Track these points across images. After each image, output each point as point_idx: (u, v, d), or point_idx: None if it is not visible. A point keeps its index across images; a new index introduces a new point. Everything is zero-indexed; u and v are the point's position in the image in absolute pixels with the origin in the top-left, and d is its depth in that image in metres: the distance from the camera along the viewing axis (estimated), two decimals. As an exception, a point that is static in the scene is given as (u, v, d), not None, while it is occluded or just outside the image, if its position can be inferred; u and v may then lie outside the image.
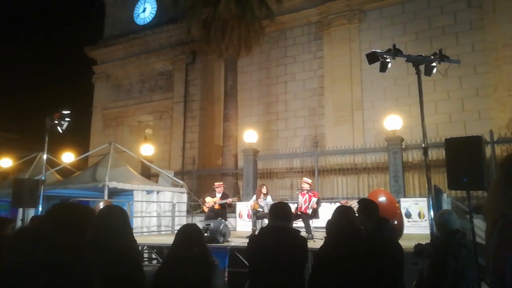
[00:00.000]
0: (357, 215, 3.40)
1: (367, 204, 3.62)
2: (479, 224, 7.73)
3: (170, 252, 2.82)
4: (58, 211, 1.87)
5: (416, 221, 9.42)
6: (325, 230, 3.65)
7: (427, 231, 8.53)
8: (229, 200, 9.30)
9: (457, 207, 9.33)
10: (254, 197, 9.18)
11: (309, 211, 8.09)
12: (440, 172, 10.09)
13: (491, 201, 0.66)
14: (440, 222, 4.40)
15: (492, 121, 11.60)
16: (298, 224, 8.39)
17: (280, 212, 3.22)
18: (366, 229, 3.36)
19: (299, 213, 8.14)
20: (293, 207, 8.27)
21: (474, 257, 4.45)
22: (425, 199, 9.36)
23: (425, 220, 9.06)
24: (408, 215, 9.40)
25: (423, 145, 4.65)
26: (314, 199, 8.14)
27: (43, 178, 8.77)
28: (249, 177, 12.87)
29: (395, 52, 4.61)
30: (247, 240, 3.41)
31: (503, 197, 0.65)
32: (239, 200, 11.02)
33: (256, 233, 6.77)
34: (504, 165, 0.68)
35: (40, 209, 8.40)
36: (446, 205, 8.66)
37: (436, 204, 6.81)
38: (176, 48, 18.03)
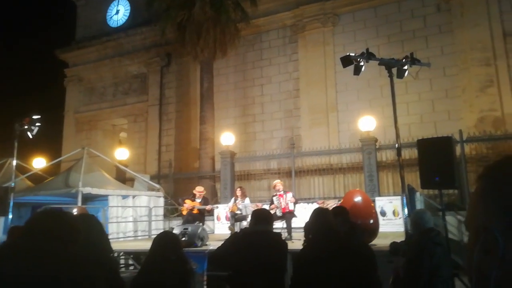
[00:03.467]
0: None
1: (342, 209, 3.72)
2: (451, 221, 7.99)
3: (147, 260, 2.79)
4: (47, 221, 1.71)
5: (391, 219, 9.64)
6: (302, 231, 3.70)
7: (402, 229, 8.76)
8: (208, 207, 9.27)
9: (429, 205, 9.61)
10: (233, 199, 9.18)
11: (291, 207, 8.15)
12: (413, 171, 10.37)
13: (473, 213, 0.67)
14: (415, 221, 4.52)
15: (461, 121, 12.02)
16: (279, 225, 8.45)
17: (262, 217, 3.23)
18: (343, 231, 3.43)
19: (279, 214, 8.18)
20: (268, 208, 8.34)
21: (448, 254, 4.59)
22: (399, 197, 9.58)
23: (400, 218, 9.28)
24: (383, 213, 9.61)
25: (397, 145, 4.77)
26: (290, 194, 8.26)
27: (13, 184, 8.49)
28: (226, 179, 12.85)
29: (368, 55, 4.72)
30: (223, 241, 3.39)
31: (486, 209, 0.67)
32: (217, 207, 10.97)
33: (236, 231, 6.77)
34: (485, 176, 0.69)
35: (10, 216, 8.12)
36: (419, 203, 8.92)
37: (409, 202, 6.99)
38: (151, 51, 17.81)
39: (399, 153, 4.66)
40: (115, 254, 8.37)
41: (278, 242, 3.16)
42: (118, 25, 19.11)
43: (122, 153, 15.36)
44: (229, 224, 9.00)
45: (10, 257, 1.40)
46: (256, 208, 3.58)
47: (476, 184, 0.73)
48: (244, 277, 2.93)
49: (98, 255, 2.35)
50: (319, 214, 3.29)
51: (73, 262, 1.45)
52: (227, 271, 3.08)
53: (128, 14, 18.93)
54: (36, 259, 1.41)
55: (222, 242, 3.36)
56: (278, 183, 8.51)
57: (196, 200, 9.40)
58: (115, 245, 8.90)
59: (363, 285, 2.89)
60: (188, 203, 9.27)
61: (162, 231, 10.36)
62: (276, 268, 3.00)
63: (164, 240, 2.78)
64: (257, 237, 3.08)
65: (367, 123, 11.47)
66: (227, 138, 13.42)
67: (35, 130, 8.04)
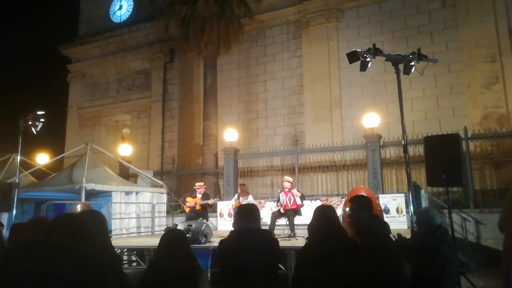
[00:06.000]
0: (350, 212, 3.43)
1: (369, 202, 3.64)
2: (455, 218, 7.94)
3: (155, 258, 2.77)
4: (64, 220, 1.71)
5: (394, 216, 9.59)
6: (306, 228, 3.65)
7: (405, 226, 8.75)
8: (210, 201, 9.25)
9: (434, 202, 9.58)
10: (236, 196, 9.16)
11: (298, 201, 8.09)
12: (417, 168, 10.35)
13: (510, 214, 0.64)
14: (422, 219, 4.49)
15: (466, 118, 11.94)
16: (282, 222, 8.43)
17: (249, 214, 3.18)
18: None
19: (282, 211, 8.14)
20: (273, 205, 8.31)
21: (454, 252, 4.55)
22: (403, 194, 9.55)
23: (403, 216, 9.24)
24: (387, 211, 9.56)
25: (403, 142, 4.72)
26: (294, 190, 8.19)
27: (17, 180, 8.48)
28: (229, 176, 12.82)
29: (375, 51, 4.66)
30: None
31: None
32: (220, 200, 10.96)
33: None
34: None
35: (14, 212, 8.13)
36: (424, 201, 8.87)
37: (415, 199, 6.95)
38: (154, 46, 17.77)
39: (405, 150, 4.61)
40: (118, 251, 8.39)
41: (268, 239, 3.12)
42: (121, 20, 19.07)
43: (125, 149, 15.35)
44: (233, 222, 8.97)
45: (29, 252, 1.38)
46: (240, 205, 3.52)
47: None
48: (236, 277, 2.88)
49: (108, 252, 2.33)
50: (322, 211, 3.25)
51: (89, 259, 1.43)
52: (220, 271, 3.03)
53: (131, 10, 18.88)
54: (53, 255, 1.39)
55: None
56: (285, 180, 8.44)
57: (197, 195, 9.38)
58: (118, 241, 8.92)
59: (371, 284, 2.84)
60: (189, 201, 9.26)
61: (166, 227, 10.43)
62: (266, 266, 2.95)
63: (172, 238, 2.76)
64: (246, 236, 3.02)
65: (371, 120, 11.39)
66: (230, 135, 13.38)
67: (39, 126, 8.01)
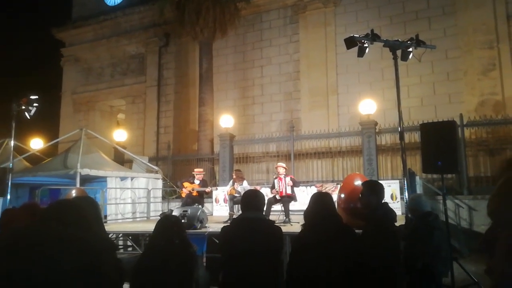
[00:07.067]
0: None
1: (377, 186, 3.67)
2: (448, 205, 7.99)
3: (150, 243, 2.76)
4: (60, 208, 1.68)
5: (389, 202, 9.59)
6: (301, 214, 3.66)
7: (399, 212, 8.81)
8: (207, 189, 9.26)
9: (428, 189, 9.64)
10: (231, 182, 9.17)
11: (289, 190, 8.11)
12: (412, 154, 10.38)
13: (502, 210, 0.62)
14: (412, 206, 4.54)
15: (462, 105, 11.94)
16: (277, 208, 8.46)
17: (250, 203, 3.16)
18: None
19: (278, 197, 8.16)
20: (268, 191, 8.32)
21: (447, 238, 4.60)
22: (397, 181, 9.60)
23: (397, 202, 9.31)
24: (382, 197, 9.60)
25: (399, 129, 4.70)
26: (288, 178, 8.19)
27: (11, 165, 8.42)
28: (225, 162, 12.81)
29: (373, 37, 4.61)
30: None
31: None
32: (216, 189, 10.95)
33: (233, 217, 6.76)
34: None
35: (9, 197, 8.09)
36: (418, 187, 8.93)
37: (410, 186, 6.98)
38: (149, 30, 17.51)
39: (401, 137, 4.60)
40: (114, 236, 8.40)
41: (272, 228, 3.10)
42: (115, 3, 18.74)
43: (120, 135, 15.26)
44: (228, 208, 8.99)
45: (27, 240, 1.36)
46: (245, 191, 3.48)
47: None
48: (236, 265, 2.88)
49: (104, 239, 2.31)
50: (318, 198, 3.26)
51: (86, 247, 1.41)
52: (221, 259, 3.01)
53: (125, -7, 18.53)
54: (51, 243, 1.36)
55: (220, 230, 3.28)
56: (279, 166, 8.43)
57: (195, 182, 9.39)
58: (114, 227, 8.94)
59: (365, 267, 2.85)
60: (187, 186, 9.28)
61: (161, 213, 10.45)
62: (268, 255, 2.94)
63: (167, 224, 2.75)
64: (247, 225, 3.01)
65: (367, 106, 11.37)
66: (226, 121, 13.33)
67: (33, 110, 7.93)
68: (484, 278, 5.28)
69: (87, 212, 1.68)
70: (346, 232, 3.03)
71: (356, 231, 3.22)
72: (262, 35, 15.42)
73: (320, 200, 3.21)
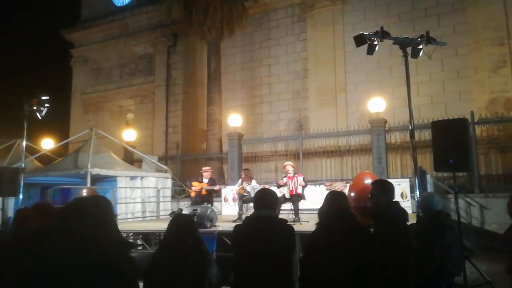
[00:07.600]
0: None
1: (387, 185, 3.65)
2: (459, 203, 7.93)
3: (163, 242, 2.78)
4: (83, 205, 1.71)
5: (399, 201, 9.58)
6: (310, 213, 3.66)
7: (409, 211, 8.75)
8: (216, 188, 9.29)
9: (439, 187, 9.56)
10: (240, 181, 9.17)
11: (300, 190, 8.11)
12: (422, 153, 10.29)
13: None
14: (424, 205, 4.50)
15: (472, 102, 11.81)
16: (287, 207, 8.45)
17: (264, 201, 3.16)
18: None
19: (287, 196, 8.15)
20: (277, 190, 8.31)
21: (458, 237, 4.56)
22: (407, 179, 9.53)
23: (408, 200, 9.25)
24: (392, 196, 9.54)
25: (410, 127, 4.67)
26: (300, 178, 8.19)
27: (23, 165, 8.53)
28: (234, 161, 12.84)
29: (382, 34, 4.57)
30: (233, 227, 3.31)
31: None
32: (225, 187, 10.98)
33: (243, 217, 6.77)
34: None
35: (21, 197, 8.19)
36: (429, 186, 8.86)
37: (421, 184, 6.93)
38: (157, 31, 17.60)
39: (412, 135, 4.56)
40: (124, 235, 8.46)
41: (285, 227, 3.10)
42: (124, 4, 18.87)
43: (129, 135, 15.36)
44: (237, 207, 9.00)
45: (32, 239, 1.37)
46: (258, 190, 3.47)
47: None
48: (250, 265, 2.88)
49: (120, 238, 2.33)
50: (332, 196, 3.25)
51: (100, 246, 1.42)
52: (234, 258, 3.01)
53: (133, -7, 18.64)
54: (65, 242, 1.37)
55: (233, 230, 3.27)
56: (288, 165, 8.42)
57: (203, 180, 9.42)
58: (124, 226, 9.00)
59: (378, 266, 2.84)
60: (195, 185, 9.30)
61: (171, 212, 10.50)
62: (281, 255, 2.94)
63: (180, 222, 2.76)
64: (260, 223, 3.00)
65: (377, 105, 11.30)
66: (234, 120, 13.35)
67: (44, 111, 8.01)
68: (497, 277, 5.23)
69: (105, 211, 1.69)
70: (360, 231, 3.02)
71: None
72: (270, 34, 15.40)
73: (335, 199, 3.19)
